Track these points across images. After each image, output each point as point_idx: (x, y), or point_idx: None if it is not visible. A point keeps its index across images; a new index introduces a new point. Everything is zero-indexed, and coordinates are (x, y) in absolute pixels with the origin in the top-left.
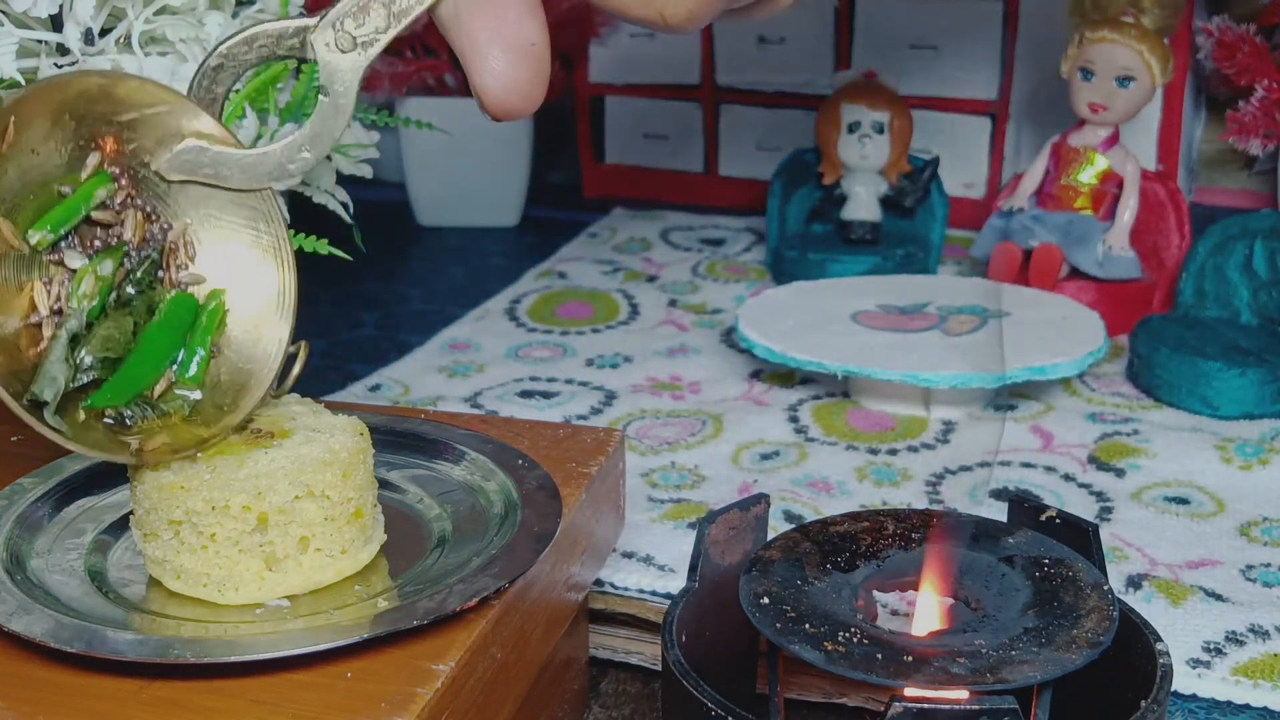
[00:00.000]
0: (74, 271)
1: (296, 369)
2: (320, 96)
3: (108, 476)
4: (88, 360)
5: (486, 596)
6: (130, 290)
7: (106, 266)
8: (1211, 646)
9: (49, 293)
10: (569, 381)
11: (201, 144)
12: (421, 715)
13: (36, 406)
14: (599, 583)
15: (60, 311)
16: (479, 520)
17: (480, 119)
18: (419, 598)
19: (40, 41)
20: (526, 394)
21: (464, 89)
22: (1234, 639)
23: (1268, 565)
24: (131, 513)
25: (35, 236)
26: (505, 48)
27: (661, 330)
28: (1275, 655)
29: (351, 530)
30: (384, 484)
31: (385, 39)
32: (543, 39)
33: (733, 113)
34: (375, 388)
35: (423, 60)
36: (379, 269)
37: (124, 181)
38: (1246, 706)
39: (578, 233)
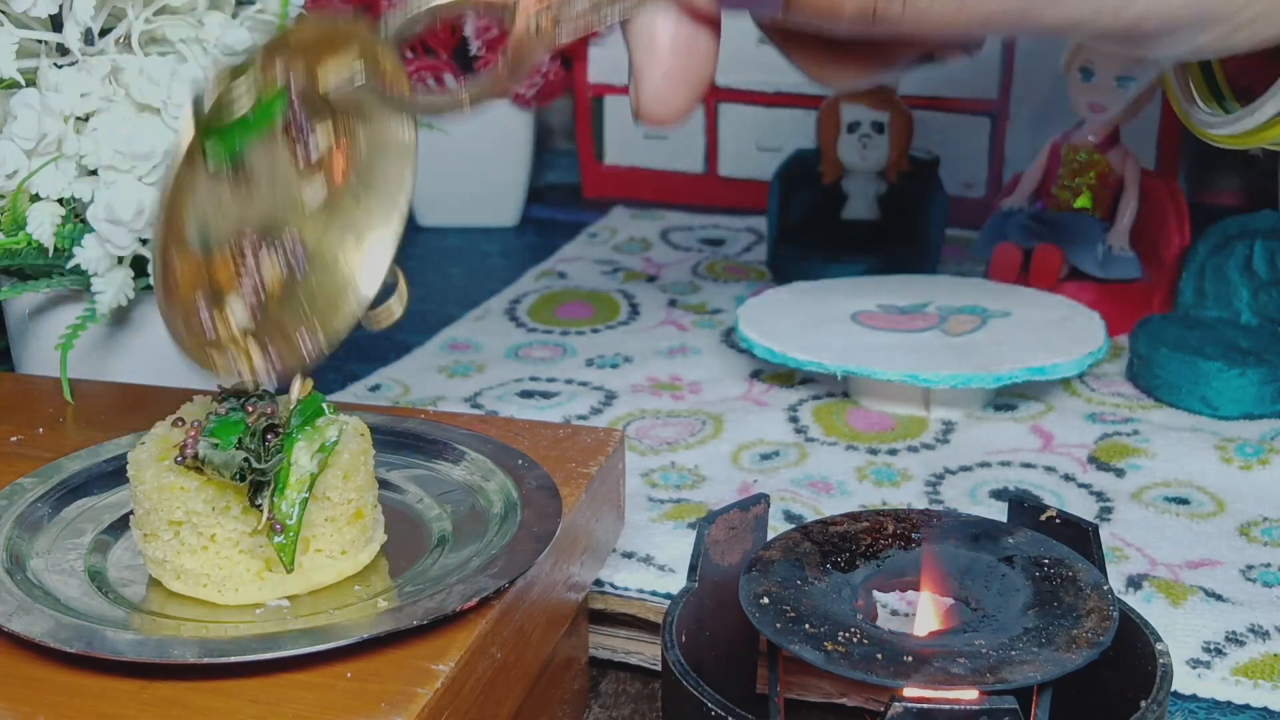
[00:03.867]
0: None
1: (401, 302)
2: (501, 58)
3: (108, 477)
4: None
5: (486, 596)
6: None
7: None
8: (1211, 646)
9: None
10: (569, 381)
11: (373, 80)
12: (421, 715)
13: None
14: (599, 583)
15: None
16: (479, 520)
17: (480, 119)
18: (419, 598)
19: (40, 41)
20: (526, 394)
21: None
22: (1234, 639)
23: (1268, 565)
24: (131, 513)
25: (212, 160)
26: (682, 76)
27: (661, 330)
28: (1275, 655)
29: (352, 531)
30: (384, 484)
31: (580, 32)
32: (712, 75)
33: (733, 113)
34: (375, 388)
35: (423, 60)
36: None
37: (294, 101)
38: (1246, 706)
39: (578, 233)
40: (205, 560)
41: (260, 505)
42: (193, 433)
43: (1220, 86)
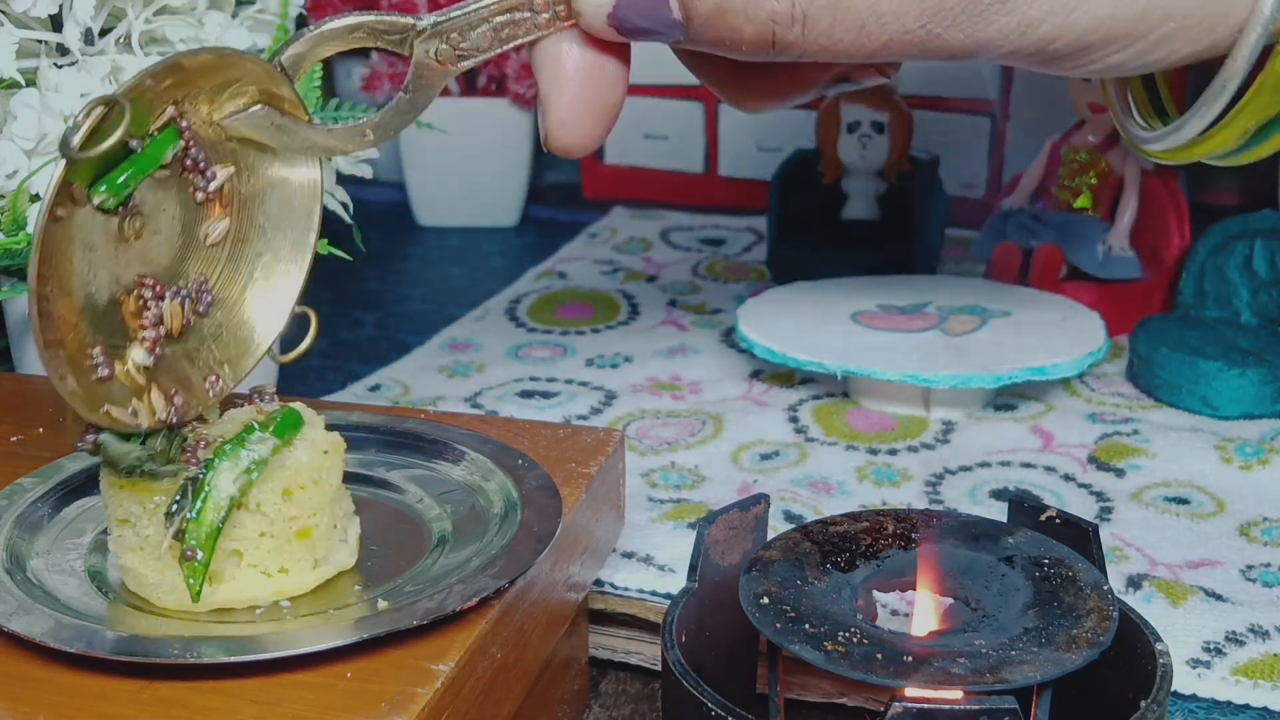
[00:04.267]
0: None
1: (309, 337)
2: (402, 92)
3: None
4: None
5: (486, 596)
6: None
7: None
8: (1211, 646)
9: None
10: (569, 381)
11: (271, 109)
12: (421, 715)
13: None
14: (599, 583)
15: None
16: (479, 520)
17: (480, 119)
18: (419, 598)
19: (40, 41)
20: (526, 394)
21: (464, 89)
22: (1234, 639)
23: (1268, 565)
24: None
25: (98, 198)
26: (588, 103)
27: (661, 330)
28: (1275, 655)
29: (295, 550)
30: (384, 484)
31: (482, 58)
32: (621, 101)
33: (733, 113)
34: (375, 388)
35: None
36: (379, 269)
37: (186, 135)
38: (1246, 706)
39: (578, 233)
40: (142, 560)
41: (174, 519)
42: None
43: (1163, 100)
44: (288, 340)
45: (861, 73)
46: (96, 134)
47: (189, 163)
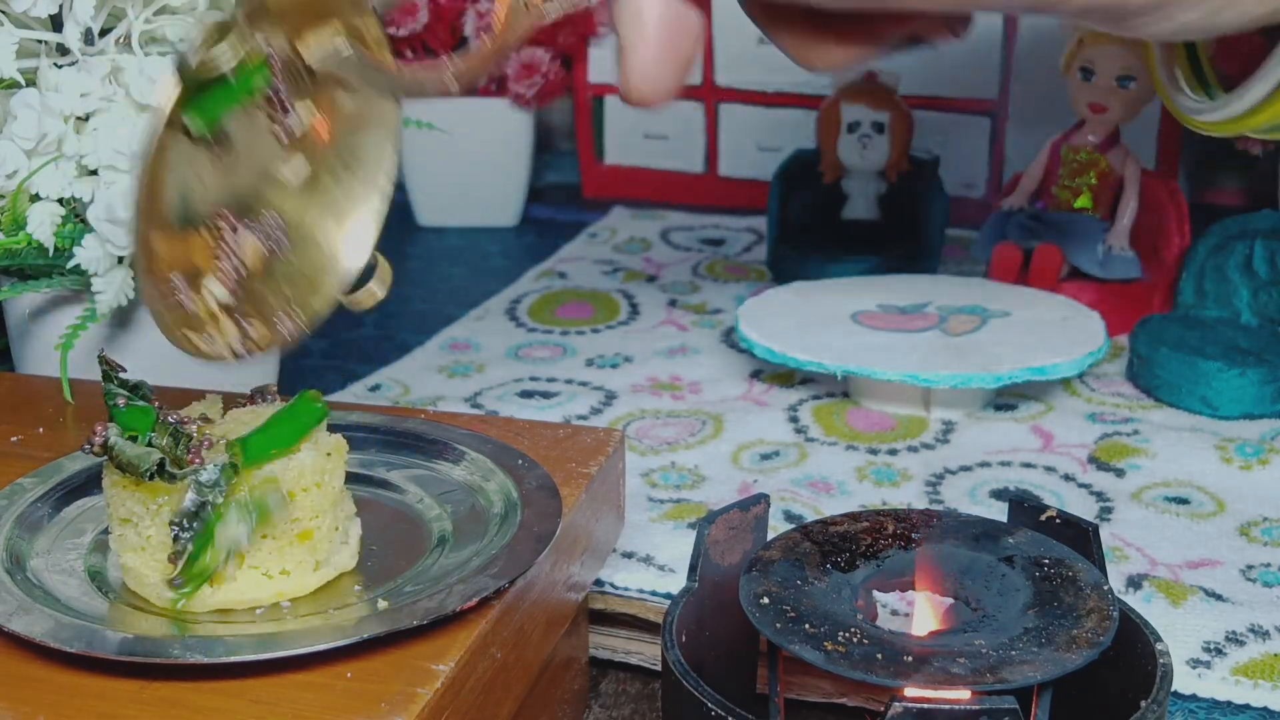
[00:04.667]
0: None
1: (380, 283)
2: (484, 35)
3: None
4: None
5: (486, 596)
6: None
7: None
8: (1211, 646)
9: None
10: (569, 381)
11: (357, 46)
12: (421, 715)
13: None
14: (599, 583)
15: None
16: (479, 520)
17: (480, 119)
18: (419, 598)
19: (40, 41)
20: (526, 394)
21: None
22: (1234, 639)
23: (1268, 565)
24: None
25: (193, 125)
26: (668, 54)
27: (661, 330)
28: (1275, 655)
29: (297, 552)
30: (384, 484)
31: (568, 5)
32: (696, 53)
33: (733, 113)
34: (375, 388)
35: (423, 60)
36: None
37: (276, 68)
38: (1246, 706)
39: (578, 233)
40: (144, 560)
41: (178, 541)
42: (102, 422)
43: (1206, 74)
44: (359, 285)
45: (934, 31)
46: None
47: (275, 101)
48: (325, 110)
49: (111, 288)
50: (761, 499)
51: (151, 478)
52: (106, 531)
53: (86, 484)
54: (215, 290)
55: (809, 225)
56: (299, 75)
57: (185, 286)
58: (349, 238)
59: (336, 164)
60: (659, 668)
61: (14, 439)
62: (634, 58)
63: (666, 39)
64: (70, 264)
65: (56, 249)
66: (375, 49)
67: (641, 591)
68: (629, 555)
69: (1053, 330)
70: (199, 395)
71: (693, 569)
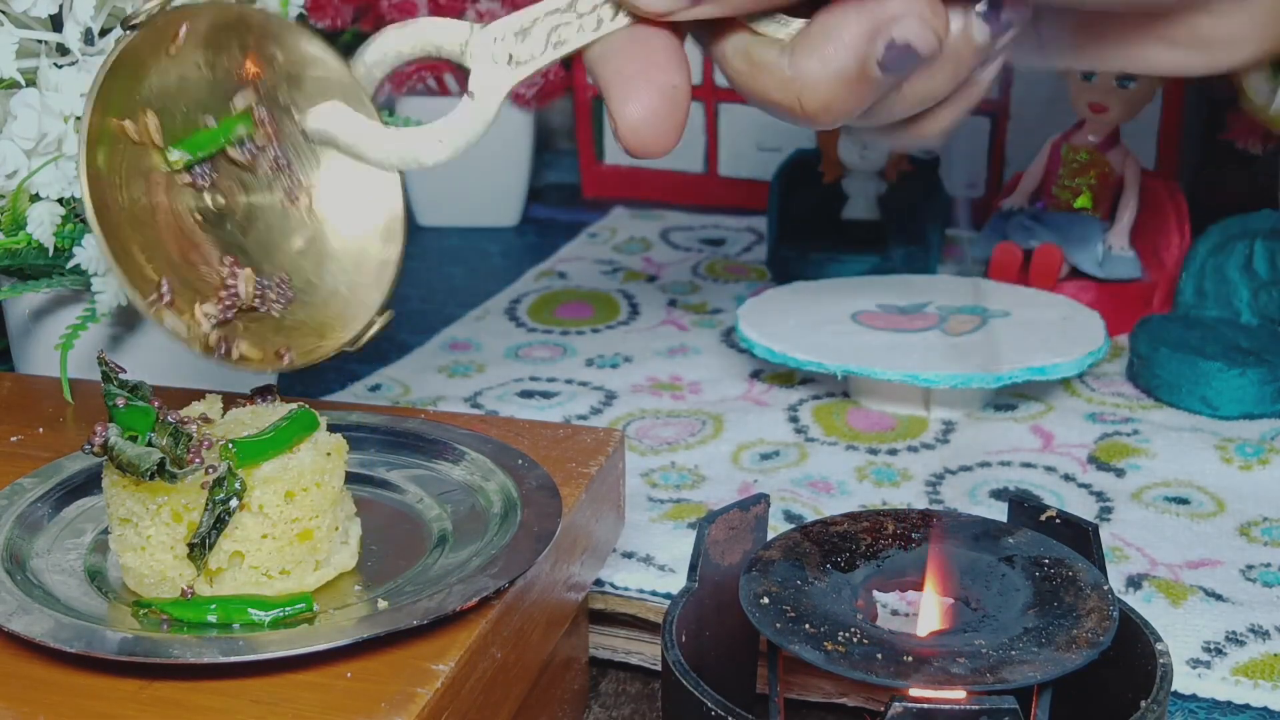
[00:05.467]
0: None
1: (375, 329)
2: (465, 98)
3: None
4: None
5: (486, 596)
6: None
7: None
8: (1211, 646)
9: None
10: (569, 381)
11: (349, 112)
12: (421, 715)
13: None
14: (599, 583)
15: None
16: (479, 520)
17: None
18: (419, 598)
19: (40, 41)
20: (526, 394)
21: (464, 89)
22: (1234, 639)
23: (1268, 565)
24: None
25: (175, 154)
26: (650, 88)
27: (661, 330)
28: (1275, 655)
29: (296, 551)
30: (384, 484)
31: (538, 64)
32: (685, 83)
33: (733, 113)
34: (375, 388)
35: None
36: None
37: (267, 127)
38: (1246, 706)
39: (578, 233)
40: (143, 560)
41: (196, 549)
42: (103, 422)
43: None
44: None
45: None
46: None
47: (275, 162)
48: (321, 184)
49: (111, 288)
50: (761, 499)
51: (151, 478)
52: (106, 531)
53: (86, 484)
54: (208, 310)
55: (809, 225)
56: (293, 136)
57: (169, 290)
58: (361, 294)
59: (345, 235)
60: (659, 668)
61: (14, 439)
62: (623, 112)
63: (651, 86)
64: (70, 264)
65: (56, 249)
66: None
67: (641, 591)
68: (629, 555)
69: (1053, 330)
70: (199, 395)
71: (693, 569)
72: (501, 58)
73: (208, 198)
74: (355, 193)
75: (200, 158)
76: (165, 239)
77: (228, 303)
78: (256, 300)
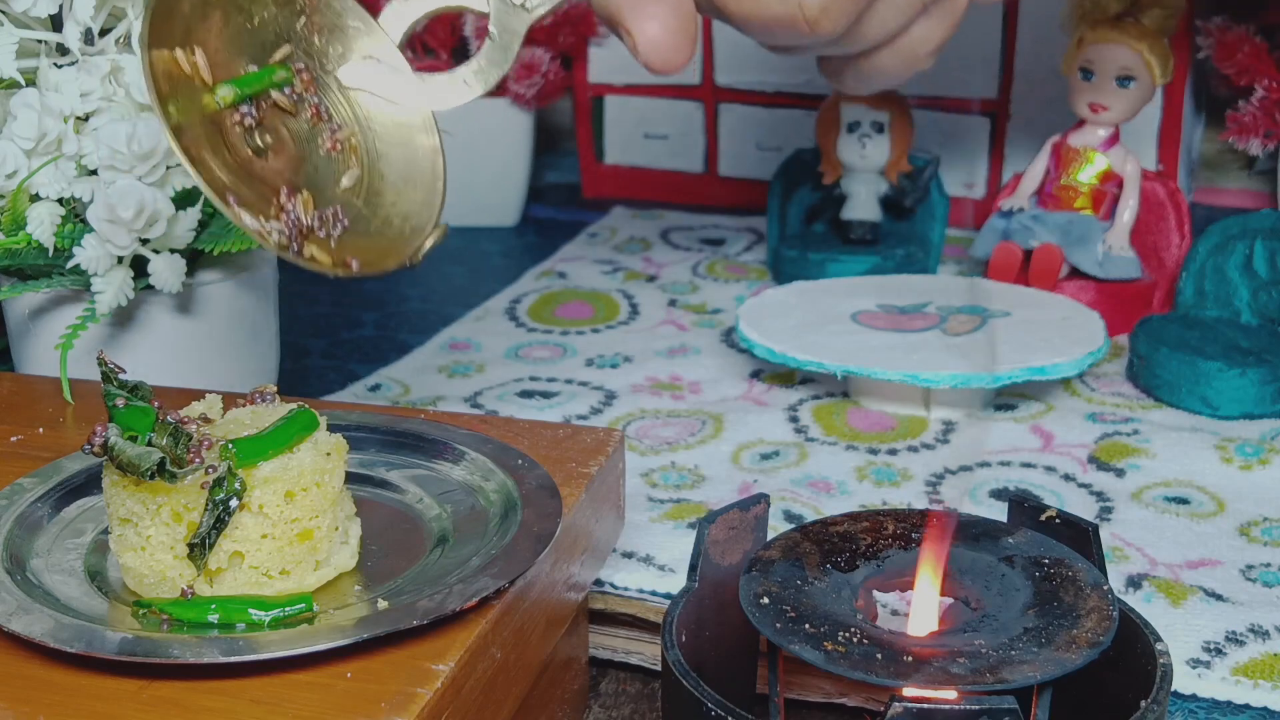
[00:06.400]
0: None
1: (429, 244)
2: (486, 40)
3: None
4: None
5: (486, 596)
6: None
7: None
8: (1211, 646)
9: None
10: (569, 381)
11: (379, 65)
12: (421, 715)
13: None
14: (599, 583)
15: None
16: (479, 520)
17: (480, 119)
18: (419, 598)
19: (40, 41)
20: (526, 394)
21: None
22: (1234, 639)
23: (1268, 565)
24: None
25: (223, 90)
26: (664, 6)
27: (661, 330)
28: (1275, 655)
29: (296, 551)
30: (384, 484)
31: (553, 3)
32: (692, 4)
33: (733, 113)
34: (375, 388)
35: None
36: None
37: (304, 76)
38: (1246, 706)
39: (578, 233)
40: (143, 560)
41: (195, 549)
42: (103, 422)
43: None
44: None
45: None
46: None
47: (316, 110)
48: (366, 128)
49: (111, 288)
50: (761, 499)
51: (152, 478)
52: (106, 531)
53: (86, 484)
54: (273, 226)
55: (809, 225)
56: (332, 89)
57: (236, 201)
58: (414, 219)
59: (391, 177)
60: (659, 668)
61: (14, 439)
62: (639, 32)
63: (668, 9)
64: (70, 264)
65: (56, 249)
66: (396, 65)
67: (641, 591)
68: (629, 555)
69: (1053, 330)
70: (199, 395)
71: (693, 569)
72: (519, 0)
73: (256, 136)
74: (393, 129)
75: (245, 94)
76: (228, 158)
77: (290, 225)
78: (315, 225)
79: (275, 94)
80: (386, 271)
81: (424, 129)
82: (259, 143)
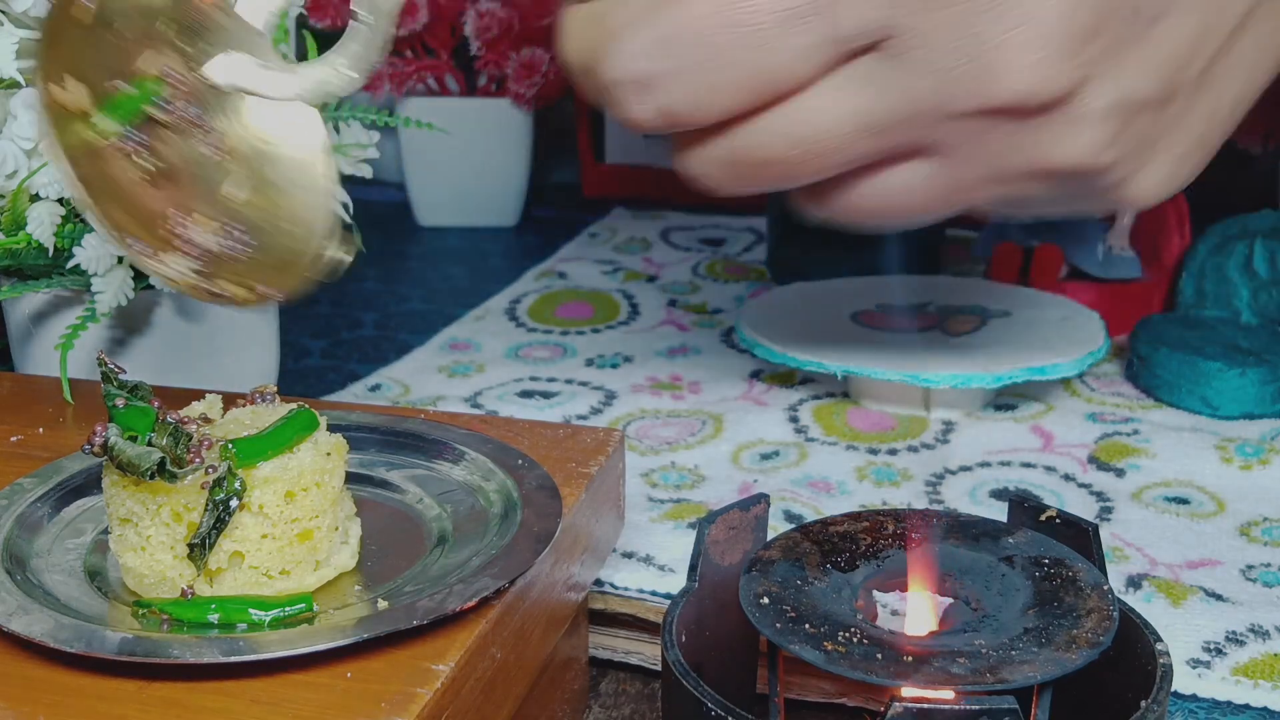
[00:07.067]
0: None
1: (328, 257)
2: (354, 23)
3: None
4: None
5: (486, 596)
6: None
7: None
8: (1211, 646)
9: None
10: (569, 381)
11: (247, 59)
12: (421, 715)
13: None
14: (599, 583)
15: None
16: (479, 520)
17: (480, 119)
18: (419, 598)
19: None
20: (526, 394)
21: (464, 89)
22: (1234, 639)
23: (1268, 565)
24: None
25: (102, 122)
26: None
27: (661, 330)
28: (1275, 655)
29: (296, 551)
30: (384, 484)
31: None
32: None
33: None
34: (375, 388)
35: (423, 60)
36: (379, 269)
37: (178, 84)
38: (1246, 706)
39: (578, 233)
40: (143, 560)
41: (195, 549)
42: (102, 422)
43: None
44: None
45: None
46: None
47: (190, 117)
48: (241, 130)
49: (111, 288)
50: (761, 499)
51: (152, 477)
52: (106, 531)
53: (86, 484)
54: (175, 261)
55: (809, 225)
56: (202, 90)
57: (146, 247)
58: (309, 223)
59: (275, 180)
60: (659, 668)
61: (14, 439)
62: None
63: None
64: (70, 264)
65: (56, 249)
66: (267, 58)
67: (641, 591)
68: (629, 555)
69: (1053, 330)
70: (199, 395)
71: (693, 569)
72: None
73: (144, 162)
74: (279, 129)
75: (126, 122)
76: (126, 201)
77: (193, 253)
78: (220, 246)
79: (151, 109)
80: (293, 291)
81: (306, 124)
82: (150, 166)
